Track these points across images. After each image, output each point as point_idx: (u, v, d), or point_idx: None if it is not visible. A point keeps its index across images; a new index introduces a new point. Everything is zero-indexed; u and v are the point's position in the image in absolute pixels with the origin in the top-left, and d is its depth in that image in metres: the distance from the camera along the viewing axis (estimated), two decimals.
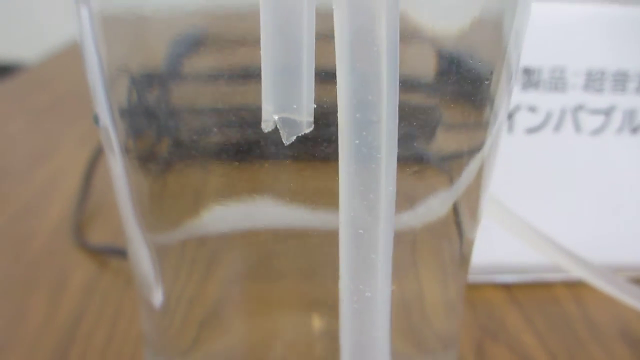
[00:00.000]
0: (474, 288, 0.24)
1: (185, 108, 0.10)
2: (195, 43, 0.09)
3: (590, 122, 0.22)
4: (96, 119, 0.10)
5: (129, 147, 0.11)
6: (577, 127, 0.22)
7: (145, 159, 0.11)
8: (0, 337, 0.21)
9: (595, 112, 0.22)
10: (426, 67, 0.09)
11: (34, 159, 0.36)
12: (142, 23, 0.09)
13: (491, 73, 0.09)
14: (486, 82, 0.09)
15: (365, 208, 0.08)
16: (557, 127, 0.22)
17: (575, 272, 0.20)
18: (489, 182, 0.11)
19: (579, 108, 0.22)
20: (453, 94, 0.09)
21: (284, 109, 0.08)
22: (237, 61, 0.09)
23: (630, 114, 0.22)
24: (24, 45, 1.15)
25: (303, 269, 0.11)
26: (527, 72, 0.22)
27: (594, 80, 0.22)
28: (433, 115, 0.09)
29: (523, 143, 0.22)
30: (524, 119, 0.22)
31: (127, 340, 0.21)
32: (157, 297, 0.12)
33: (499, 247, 0.23)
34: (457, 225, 0.11)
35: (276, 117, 0.09)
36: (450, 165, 0.10)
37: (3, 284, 0.24)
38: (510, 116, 0.22)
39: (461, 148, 0.10)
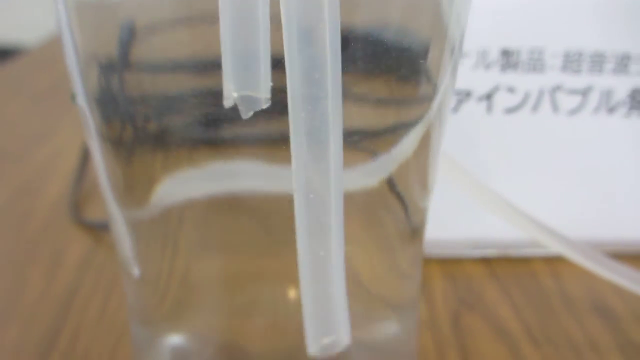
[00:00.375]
0: (455, 262, 0.25)
1: (148, 93, 0.11)
2: (150, 31, 0.10)
3: (568, 102, 0.23)
4: (73, 98, 0.11)
5: (102, 129, 0.11)
6: (555, 108, 0.23)
7: (115, 141, 0.11)
8: None
9: (573, 92, 0.23)
10: (365, 44, 0.10)
11: (33, 140, 0.37)
12: (107, 9, 0.10)
13: (427, 51, 0.10)
14: (421, 61, 0.10)
15: (316, 174, 0.09)
16: (535, 107, 0.23)
17: (551, 246, 0.20)
18: (437, 154, 0.12)
19: (556, 89, 0.23)
20: (388, 69, 0.10)
21: (243, 87, 0.09)
22: (200, 46, 0.10)
23: (607, 95, 0.23)
24: (25, 29, 1.15)
25: (271, 239, 0.12)
26: (506, 53, 0.22)
27: (571, 62, 0.22)
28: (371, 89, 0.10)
29: (502, 123, 0.23)
30: (502, 100, 0.23)
31: (120, 312, 0.22)
32: (135, 270, 0.13)
33: (480, 223, 0.24)
34: (398, 195, 0.12)
35: (236, 95, 0.09)
36: (379, 138, 0.11)
37: (2, 259, 0.25)
38: (489, 97, 0.23)
39: (395, 121, 0.11)
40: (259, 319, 0.14)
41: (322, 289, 0.10)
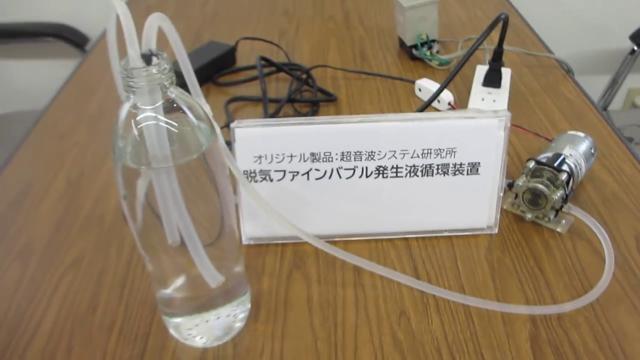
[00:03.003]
0: (292, 244, 0.52)
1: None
2: None
3: (344, 173, 0.49)
4: (125, 197, 0.38)
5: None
6: (340, 176, 0.49)
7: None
8: None
9: (348, 169, 0.49)
10: None
11: (98, 161, 0.65)
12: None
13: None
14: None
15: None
16: (331, 177, 0.49)
17: (304, 238, 0.47)
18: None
19: (339, 168, 0.49)
20: None
21: None
22: None
23: (365, 169, 0.49)
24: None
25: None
26: (314, 155, 0.48)
27: (345, 156, 0.48)
28: None
29: (313, 184, 0.49)
30: (313, 174, 0.49)
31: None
32: (148, 263, 0.41)
33: (271, 225, 0.51)
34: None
35: None
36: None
37: (96, 243, 0.54)
38: (306, 173, 0.49)
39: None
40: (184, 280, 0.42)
41: (185, 229, 0.37)
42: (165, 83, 0.31)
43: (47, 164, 0.65)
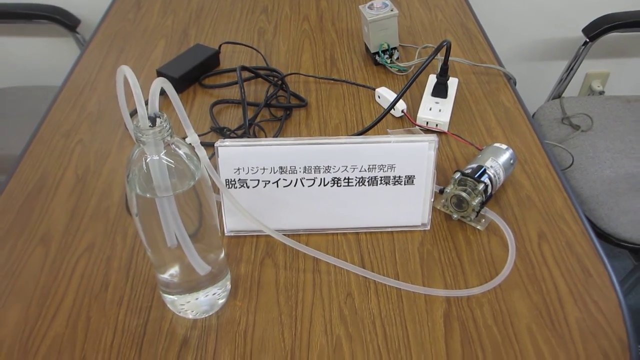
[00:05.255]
0: (263, 236, 0.64)
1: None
2: None
3: (306, 182, 0.61)
4: (136, 214, 0.50)
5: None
6: (302, 185, 0.61)
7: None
8: None
9: (310, 179, 0.61)
10: None
11: (101, 158, 0.76)
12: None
13: None
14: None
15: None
16: (295, 185, 0.61)
17: (271, 234, 0.60)
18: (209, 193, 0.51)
19: (301, 178, 0.61)
20: None
21: None
22: None
23: (332, 180, 0.61)
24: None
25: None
26: (282, 168, 0.60)
27: (307, 170, 0.60)
28: None
29: (284, 190, 0.61)
30: (282, 182, 0.61)
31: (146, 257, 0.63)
32: (149, 252, 0.53)
33: (247, 221, 0.63)
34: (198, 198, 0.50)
35: None
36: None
37: (104, 231, 0.66)
38: (276, 182, 0.61)
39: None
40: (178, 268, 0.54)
41: (190, 253, 0.50)
42: (167, 137, 0.43)
43: (55, 159, 0.76)
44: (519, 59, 1.74)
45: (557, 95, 1.51)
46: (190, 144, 0.47)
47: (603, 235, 1.04)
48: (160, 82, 0.44)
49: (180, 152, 0.45)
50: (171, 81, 0.85)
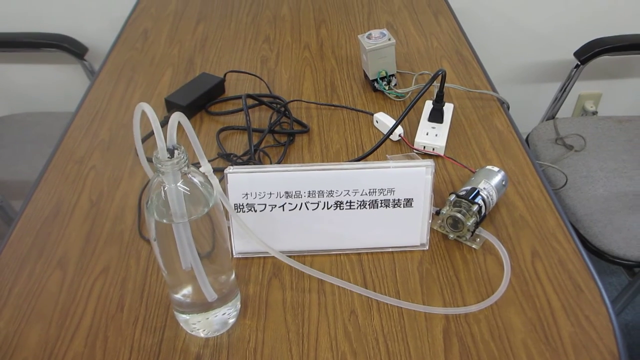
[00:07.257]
0: (269, 258, 0.68)
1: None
2: None
3: (311, 206, 0.65)
4: (155, 239, 0.53)
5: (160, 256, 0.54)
6: (306, 208, 0.65)
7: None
8: None
9: (313, 203, 0.64)
10: None
11: (114, 184, 0.80)
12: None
13: None
14: None
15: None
16: (300, 209, 0.65)
17: (277, 256, 0.63)
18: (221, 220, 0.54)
19: (306, 202, 0.64)
20: None
21: None
22: None
23: (335, 204, 0.64)
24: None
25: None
26: (287, 193, 0.64)
27: (312, 194, 0.64)
28: None
29: (289, 214, 0.65)
30: (287, 206, 0.64)
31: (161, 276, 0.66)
32: (164, 272, 0.56)
33: (255, 243, 0.67)
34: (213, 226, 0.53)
35: None
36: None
37: (119, 254, 0.69)
38: (282, 206, 0.64)
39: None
40: (191, 289, 0.57)
41: (195, 261, 0.53)
42: (184, 168, 0.46)
43: (70, 185, 0.80)
44: (513, 82, 1.79)
45: (551, 116, 1.56)
46: (204, 172, 0.51)
47: (598, 253, 1.07)
48: (177, 117, 0.48)
49: (195, 180, 0.49)
50: (179, 109, 0.89)
